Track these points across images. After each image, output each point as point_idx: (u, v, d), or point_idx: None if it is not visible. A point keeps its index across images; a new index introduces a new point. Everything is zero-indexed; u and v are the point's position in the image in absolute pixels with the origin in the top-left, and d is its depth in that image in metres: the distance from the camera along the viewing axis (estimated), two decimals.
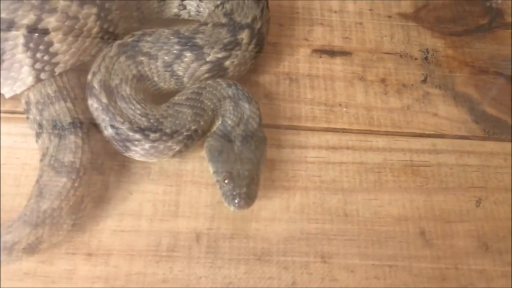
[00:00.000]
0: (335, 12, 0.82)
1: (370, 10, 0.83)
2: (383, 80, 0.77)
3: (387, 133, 0.72)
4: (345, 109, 0.74)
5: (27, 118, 0.62)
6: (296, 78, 0.76)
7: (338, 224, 0.65)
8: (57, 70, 0.61)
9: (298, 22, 0.81)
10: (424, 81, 0.77)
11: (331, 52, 0.78)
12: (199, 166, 0.67)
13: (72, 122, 0.58)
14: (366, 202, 0.67)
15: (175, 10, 0.73)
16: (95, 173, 0.58)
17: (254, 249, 0.62)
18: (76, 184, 0.56)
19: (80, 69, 0.65)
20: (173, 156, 0.63)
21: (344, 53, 0.79)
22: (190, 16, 0.74)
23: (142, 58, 0.64)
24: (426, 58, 0.79)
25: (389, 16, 0.82)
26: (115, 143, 0.61)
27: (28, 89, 0.62)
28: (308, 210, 0.65)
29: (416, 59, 0.79)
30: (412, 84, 0.77)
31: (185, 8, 0.73)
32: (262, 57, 0.74)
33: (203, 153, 0.63)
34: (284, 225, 0.64)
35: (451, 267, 0.63)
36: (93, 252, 0.60)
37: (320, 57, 0.78)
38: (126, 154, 0.62)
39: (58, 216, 0.55)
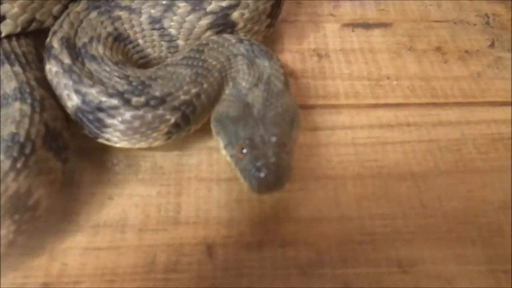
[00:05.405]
0: None
1: None
2: (438, 49, 0.61)
3: (458, 104, 0.54)
4: (395, 82, 0.56)
5: None
6: (326, 53, 0.60)
7: (415, 219, 0.45)
8: (4, 29, 0.45)
9: None
10: (492, 45, 0.61)
11: (366, 25, 0.62)
12: (208, 159, 0.48)
13: (19, 87, 0.41)
14: (450, 188, 0.47)
15: None
16: (51, 156, 0.40)
17: (295, 260, 0.42)
18: (18, 165, 0.37)
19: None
20: (168, 137, 0.44)
21: (382, 25, 0.63)
22: None
23: (121, 13, 0.47)
24: (487, 23, 0.63)
25: None
26: (83, 118, 0.43)
27: None
28: (367, 204, 0.46)
29: (475, 24, 0.63)
30: (478, 50, 0.60)
31: None
32: (279, 36, 0.60)
33: (213, 141, 0.45)
34: (335, 225, 0.44)
35: None
36: (52, 281, 0.40)
37: (353, 30, 0.62)
38: (101, 138, 0.44)
39: None
